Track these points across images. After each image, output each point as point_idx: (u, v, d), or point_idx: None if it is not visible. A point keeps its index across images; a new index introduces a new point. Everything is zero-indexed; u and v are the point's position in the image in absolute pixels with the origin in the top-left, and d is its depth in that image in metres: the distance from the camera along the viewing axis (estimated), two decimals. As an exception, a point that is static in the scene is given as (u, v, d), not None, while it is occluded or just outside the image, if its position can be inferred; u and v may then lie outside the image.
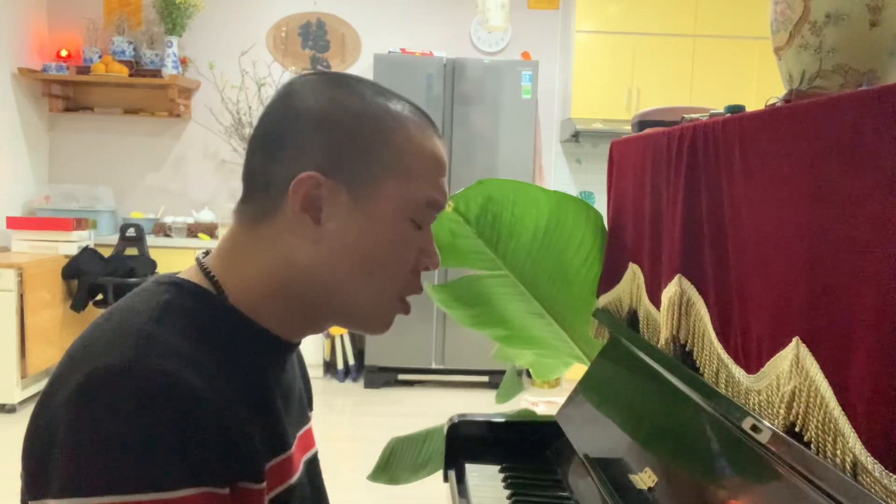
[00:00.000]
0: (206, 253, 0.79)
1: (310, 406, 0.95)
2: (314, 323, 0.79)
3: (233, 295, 0.74)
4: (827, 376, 0.80)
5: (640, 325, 1.36)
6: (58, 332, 4.08)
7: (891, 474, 0.70)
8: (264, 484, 0.71)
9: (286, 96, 0.76)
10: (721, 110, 1.15)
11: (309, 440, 0.88)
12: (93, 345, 0.67)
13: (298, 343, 0.82)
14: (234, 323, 0.74)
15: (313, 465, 0.87)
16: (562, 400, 1.53)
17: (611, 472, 1.18)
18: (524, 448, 1.51)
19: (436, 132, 0.79)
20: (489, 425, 1.53)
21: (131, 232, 4.33)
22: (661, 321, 1.23)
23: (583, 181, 5.12)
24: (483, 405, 4.16)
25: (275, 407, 0.77)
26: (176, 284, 0.74)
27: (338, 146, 0.73)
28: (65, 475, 0.61)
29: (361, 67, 4.95)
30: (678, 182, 1.18)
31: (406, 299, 0.79)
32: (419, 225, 0.77)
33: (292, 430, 0.81)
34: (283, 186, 0.73)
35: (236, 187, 5.16)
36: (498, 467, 1.47)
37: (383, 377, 4.57)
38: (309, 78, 0.77)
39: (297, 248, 0.74)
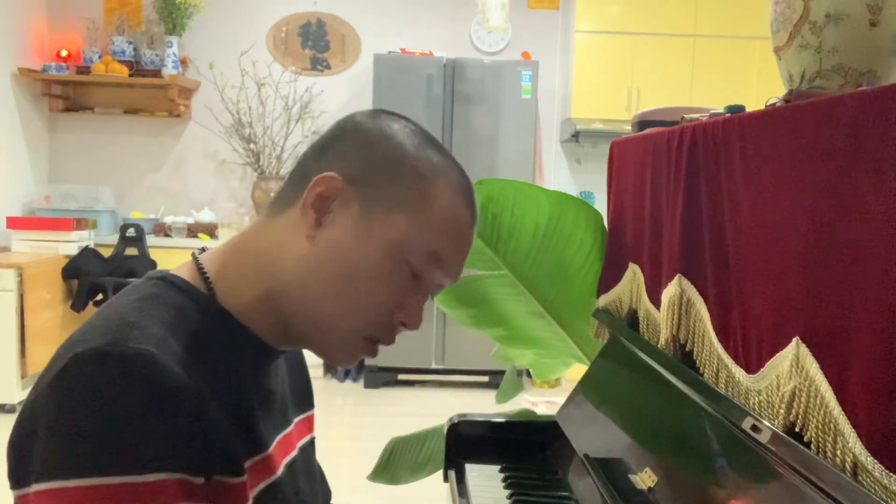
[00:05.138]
0: (203, 249, 0.80)
1: (310, 405, 0.95)
2: (291, 335, 0.78)
3: (223, 294, 0.75)
4: (827, 376, 0.80)
5: (640, 325, 1.36)
6: (58, 332, 4.08)
7: (891, 474, 0.70)
8: (244, 477, 0.71)
9: (349, 119, 0.81)
10: (721, 110, 1.14)
11: (290, 443, 0.87)
12: (79, 334, 0.68)
13: (282, 351, 0.81)
14: (218, 321, 0.74)
15: (294, 467, 0.86)
16: (562, 400, 1.52)
17: (611, 472, 1.18)
18: (524, 448, 1.50)
19: (472, 211, 0.80)
20: (489, 425, 1.52)
21: (131, 232, 4.33)
22: (661, 321, 1.23)
23: (583, 181, 5.11)
24: (483, 405, 4.15)
25: (249, 406, 0.76)
26: (165, 280, 0.75)
27: (371, 164, 0.76)
28: (44, 459, 0.62)
29: (361, 67, 4.95)
30: (678, 182, 1.18)
31: (376, 345, 0.78)
32: (416, 274, 0.76)
33: (269, 432, 0.80)
34: (310, 180, 0.75)
35: (236, 187, 5.21)
36: (498, 467, 1.46)
37: (383, 377, 4.57)
38: (377, 110, 0.82)
39: (290, 242, 0.75)
